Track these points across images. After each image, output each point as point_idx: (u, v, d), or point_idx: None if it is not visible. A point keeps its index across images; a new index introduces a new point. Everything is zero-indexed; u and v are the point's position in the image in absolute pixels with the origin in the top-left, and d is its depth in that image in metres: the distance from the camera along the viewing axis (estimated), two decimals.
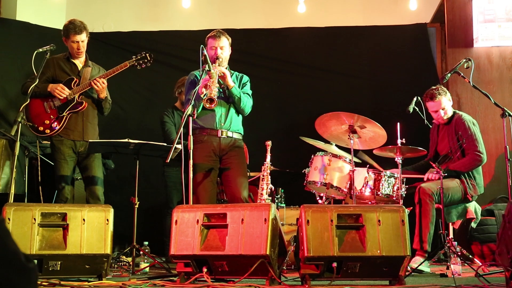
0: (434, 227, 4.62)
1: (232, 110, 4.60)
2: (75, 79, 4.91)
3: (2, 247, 1.39)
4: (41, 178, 5.38)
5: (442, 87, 5.07)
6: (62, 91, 4.82)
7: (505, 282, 3.21)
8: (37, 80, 4.69)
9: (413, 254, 4.48)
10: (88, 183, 4.94)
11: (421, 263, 4.33)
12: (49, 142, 5.72)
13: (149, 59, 4.93)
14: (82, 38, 4.91)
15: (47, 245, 3.58)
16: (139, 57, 4.93)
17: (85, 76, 4.94)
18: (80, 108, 4.88)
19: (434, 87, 5.03)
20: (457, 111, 5.15)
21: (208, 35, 4.64)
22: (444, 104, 4.99)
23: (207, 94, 4.20)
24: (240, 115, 4.67)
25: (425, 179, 4.91)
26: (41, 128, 4.84)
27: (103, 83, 4.84)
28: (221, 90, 4.54)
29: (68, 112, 4.86)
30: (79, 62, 5.03)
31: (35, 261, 3.51)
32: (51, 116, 4.86)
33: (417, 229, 4.62)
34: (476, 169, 4.91)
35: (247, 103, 4.60)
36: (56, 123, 4.85)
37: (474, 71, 4.85)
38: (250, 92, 4.71)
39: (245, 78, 4.76)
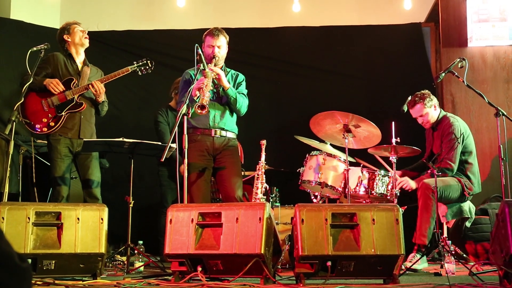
0: (434, 222, 4.65)
1: (226, 111, 4.57)
2: (74, 79, 4.96)
3: None
4: (36, 177, 5.36)
5: (425, 93, 5.09)
6: (56, 86, 4.86)
7: (499, 280, 3.23)
8: (31, 78, 4.71)
9: (411, 250, 4.51)
10: (86, 183, 4.95)
11: (416, 261, 4.34)
12: (44, 141, 5.72)
13: (150, 66, 5.02)
14: (83, 28, 5.07)
15: (42, 244, 3.57)
16: (140, 63, 5.00)
17: (84, 76, 5.00)
18: (79, 109, 4.93)
19: (418, 93, 5.08)
20: (450, 115, 5.16)
21: (206, 32, 4.60)
22: (422, 112, 5.08)
23: (199, 100, 4.18)
24: (235, 115, 4.66)
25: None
26: (37, 126, 4.86)
27: (102, 88, 4.91)
28: (215, 90, 4.52)
29: (67, 112, 4.89)
30: (79, 62, 5.08)
31: (29, 260, 3.50)
32: (49, 115, 4.88)
33: (418, 223, 4.65)
34: (470, 171, 4.95)
35: (243, 104, 4.58)
36: (53, 122, 4.87)
37: (468, 70, 4.86)
38: (245, 91, 4.69)
39: (241, 77, 4.73)
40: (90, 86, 4.87)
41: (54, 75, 4.98)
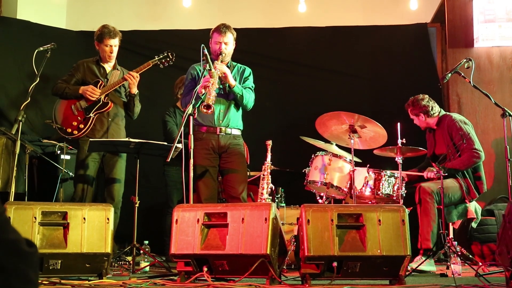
0: (437, 225, 4.62)
1: (232, 107, 4.59)
2: (101, 81, 5.01)
3: (1, 235, 1.41)
4: (40, 177, 5.38)
5: (417, 98, 5.07)
6: (93, 92, 4.92)
7: (505, 282, 3.22)
8: (38, 79, 4.74)
9: (417, 253, 4.50)
10: (108, 183, 4.99)
11: (422, 263, 4.33)
12: (51, 141, 5.73)
13: (171, 57, 5.03)
14: (115, 43, 5.06)
15: (48, 244, 3.58)
16: (161, 56, 5.02)
17: (112, 79, 5.04)
18: (106, 108, 4.97)
19: (417, 96, 5.09)
20: (447, 113, 5.15)
21: (213, 29, 4.63)
22: (413, 116, 5.12)
23: (205, 98, 4.19)
24: (240, 111, 4.67)
25: (425, 177, 4.91)
26: (69, 130, 4.95)
27: (137, 76, 4.93)
28: (221, 86, 4.54)
29: (95, 113, 4.95)
30: (108, 66, 5.14)
31: None
32: (79, 118, 4.96)
33: (420, 228, 4.63)
34: (479, 169, 4.92)
35: (249, 99, 4.60)
36: (83, 124, 4.92)
37: (475, 71, 4.85)
38: (252, 85, 4.71)
39: (247, 71, 4.75)
40: (126, 76, 4.91)
41: (83, 81, 5.04)
